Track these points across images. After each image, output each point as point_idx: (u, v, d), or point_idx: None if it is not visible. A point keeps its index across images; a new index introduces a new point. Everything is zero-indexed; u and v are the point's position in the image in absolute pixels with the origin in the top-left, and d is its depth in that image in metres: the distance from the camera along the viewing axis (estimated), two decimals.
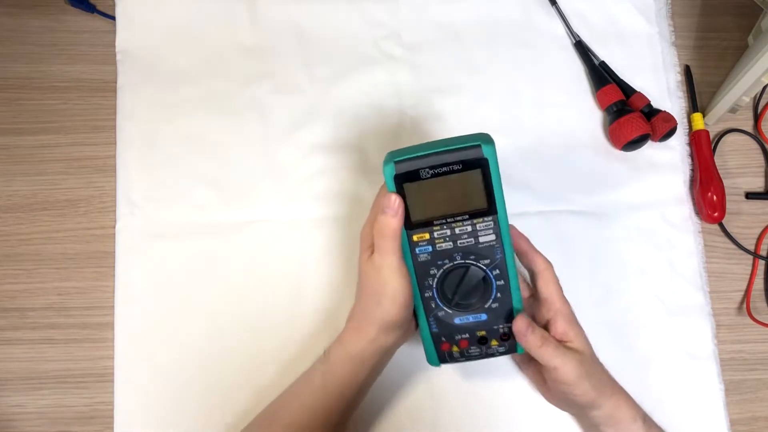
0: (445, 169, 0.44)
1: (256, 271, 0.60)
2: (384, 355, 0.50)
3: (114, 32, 0.65)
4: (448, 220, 0.46)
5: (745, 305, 0.63)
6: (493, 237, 0.46)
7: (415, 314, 0.51)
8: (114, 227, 0.61)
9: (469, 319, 0.49)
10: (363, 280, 0.48)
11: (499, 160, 0.48)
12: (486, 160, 0.44)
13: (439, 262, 0.47)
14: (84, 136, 0.63)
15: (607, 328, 0.60)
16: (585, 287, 0.61)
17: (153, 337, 0.58)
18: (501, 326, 0.49)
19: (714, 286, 0.63)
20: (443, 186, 0.45)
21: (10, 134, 0.63)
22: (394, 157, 0.45)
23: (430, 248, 0.47)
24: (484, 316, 0.49)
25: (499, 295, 0.48)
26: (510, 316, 0.49)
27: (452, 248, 0.47)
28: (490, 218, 0.46)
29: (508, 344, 0.50)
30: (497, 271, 0.48)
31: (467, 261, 0.47)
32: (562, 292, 0.51)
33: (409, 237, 0.47)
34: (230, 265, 0.60)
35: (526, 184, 0.63)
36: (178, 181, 0.62)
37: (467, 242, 0.47)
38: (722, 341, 0.61)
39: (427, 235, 0.46)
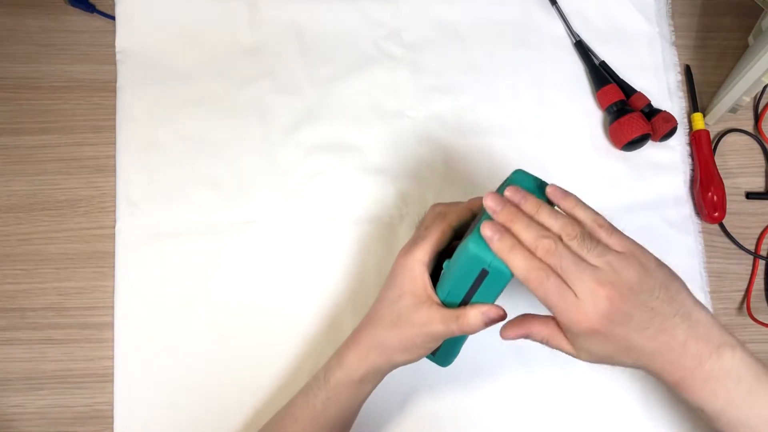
0: None
1: (256, 271, 0.60)
2: (383, 377, 0.49)
3: (114, 32, 0.65)
4: None
5: (745, 305, 0.63)
6: None
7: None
8: (114, 227, 0.61)
9: None
10: (400, 320, 0.45)
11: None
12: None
13: None
14: (84, 136, 0.63)
15: None
16: None
17: (153, 337, 0.58)
18: None
19: (714, 286, 0.63)
20: None
21: (10, 134, 0.63)
22: None
23: None
24: None
25: None
26: None
27: None
28: None
29: None
30: None
31: None
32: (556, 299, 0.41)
33: None
34: (230, 264, 0.60)
35: None
36: (178, 181, 0.62)
37: None
38: None
39: None
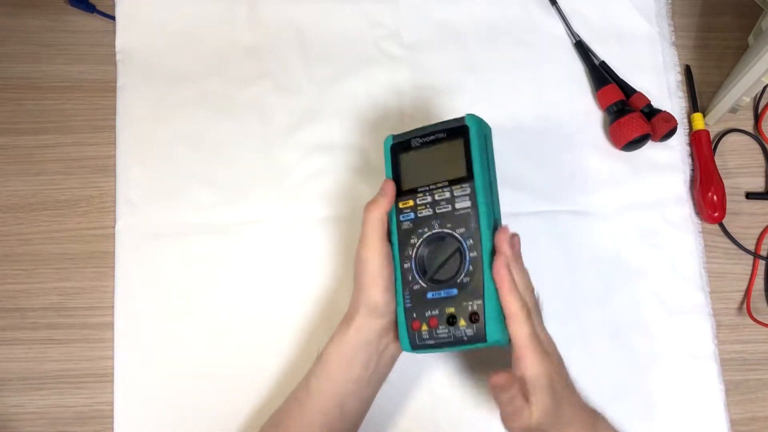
0: (432, 137, 0.50)
1: (256, 271, 0.60)
2: (373, 353, 0.49)
3: (114, 32, 0.65)
4: (431, 187, 0.49)
5: (745, 305, 0.63)
6: (468, 204, 0.48)
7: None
8: (114, 227, 0.61)
9: (441, 293, 0.48)
10: (354, 269, 0.50)
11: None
12: (467, 128, 0.49)
13: (419, 231, 0.49)
14: (84, 136, 0.63)
15: (607, 328, 0.60)
16: (585, 287, 0.61)
17: (153, 337, 0.58)
18: (470, 303, 0.47)
19: (714, 286, 0.63)
20: (430, 155, 0.50)
21: (9, 134, 0.63)
22: (394, 136, 0.53)
23: (412, 215, 0.49)
24: (454, 291, 0.48)
25: (471, 268, 0.47)
26: (480, 295, 0.47)
27: (431, 215, 0.49)
28: (467, 185, 0.48)
29: (476, 328, 0.47)
30: (471, 242, 0.48)
31: (444, 230, 0.48)
32: (534, 344, 0.45)
33: (396, 205, 0.50)
34: (230, 265, 0.60)
35: (526, 183, 0.63)
36: (178, 181, 0.62)
37: (445, 209, 0.49)
38: (722, 341, 0.61)
39: (411, 202, 0.50)
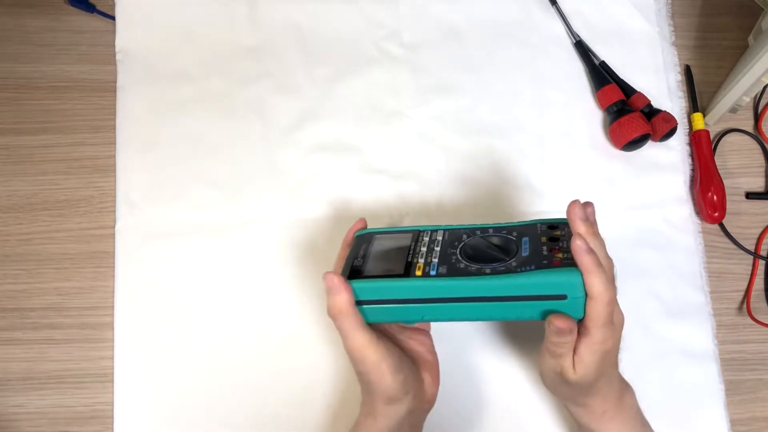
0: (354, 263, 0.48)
1: (256, 271, 0.60)
2: (405, 427, 0.49)
3: (114, 32, 0.65)
4: (410, 250, 0.47)
5: (745, 305, 0.63)
6: (440, 231, 0.49)
7: None
8: (114, 227, 0.61)
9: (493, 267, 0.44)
10: (354, 368, 0.48)
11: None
12: (363, 234, 0.50)
13: (454, 257, 0.45)
14: (84, 136, 0.63)
15: None
16: None
17: (153, 337, 0.58)
18: (542, 228, 0.47)
19: (714, 286, 0.63)
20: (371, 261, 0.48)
21: (10, 134, 0.63)
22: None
23: (434, 262, 0.45)
24: (526, 240, 0.46)
25: (513, 235, 0.47)
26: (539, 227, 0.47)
27: (441, 242, 0.47)
28: (420, 233, 0.49)
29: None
30: (503, 232, 0.47)
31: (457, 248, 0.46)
32: (608, 322, 0.43)
33: (412, 274, 0.45)
34: (230, 265, 0.60)
35: (526, 184, 0.63)
36: (178, 181, 0.62)
37: (435, 242, 0.47)
38: (722, 341, 0.61)
39: (420, 264, 0.45)
